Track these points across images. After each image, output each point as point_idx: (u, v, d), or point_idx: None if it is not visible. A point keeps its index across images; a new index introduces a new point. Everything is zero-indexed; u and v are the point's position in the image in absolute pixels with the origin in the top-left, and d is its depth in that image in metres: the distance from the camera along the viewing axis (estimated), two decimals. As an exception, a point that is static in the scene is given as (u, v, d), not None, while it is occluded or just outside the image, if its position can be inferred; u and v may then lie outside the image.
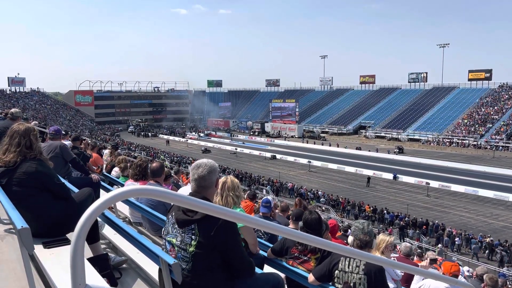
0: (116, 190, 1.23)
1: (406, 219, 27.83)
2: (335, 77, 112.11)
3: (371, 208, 30.64)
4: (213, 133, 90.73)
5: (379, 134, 76.56)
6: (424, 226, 26.79)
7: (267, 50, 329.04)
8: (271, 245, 3.96)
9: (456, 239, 24.61)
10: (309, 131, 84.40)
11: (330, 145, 68.08)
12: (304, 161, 52.13)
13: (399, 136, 72.62)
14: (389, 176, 43.60)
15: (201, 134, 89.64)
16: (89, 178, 5.06)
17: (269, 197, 4.82)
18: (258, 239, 3.93)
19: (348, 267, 2.88)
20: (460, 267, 12.09)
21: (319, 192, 35.35)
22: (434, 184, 38.80)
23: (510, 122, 64.43)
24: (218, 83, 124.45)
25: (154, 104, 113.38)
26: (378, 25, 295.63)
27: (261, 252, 3.54)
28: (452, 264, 3.89)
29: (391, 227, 27.73)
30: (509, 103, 70.56)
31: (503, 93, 74.69)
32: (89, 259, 2.67)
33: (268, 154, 59.43)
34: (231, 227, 2.21)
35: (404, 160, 53.16)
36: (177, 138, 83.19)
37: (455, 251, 24.08)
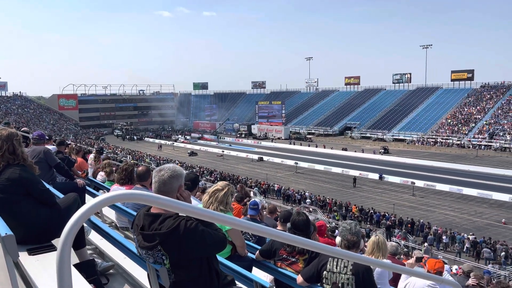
0: (101, 196, 1.22)
1: (393, 218, 28.11)
2: (320, 79, 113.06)
3: (358, 208, 30.87)
4: (209, 136, 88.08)
5: (364, 135, 77.23)
6: (410, 225, 27.10)
7: (253, 52, 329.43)
8: (259, 247, 3.97)
9: (443, 237, 24.95)
10: (296, 133, 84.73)
11: (316, 146, 68.43)
12: (291, 162, 52.28)
13: (384, 137, 73.36)
14: (375, 176, 44.00)
15: (188, 137, 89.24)
16: (74, 183, 5.00)
17: (257, 199, 4.83)
18: (246, 242, 3.93)
19: (336, 268, 2.90)
20: (446, 264, 12.27)
21: (306, 193, 35.48)
22: (419, 183, 39.29)
23: (492, 121, 65.69)
24: (204, 86, 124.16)
25: (139, 107, 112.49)
26: (362, 26, 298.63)
27: (249, 254, 3.54)
28: (436, 261, 3.95)
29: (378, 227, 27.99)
30: (491, 102, 71.95)
31: (485, 93, 76.11)
32: (76, 265, 2.64)
33: (255, 156, 59.43)
34: (193, 237, 2.09)
35: (390, 160, 53.72)
36: (163, 141, 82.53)
37: (441, 250, 24.40)
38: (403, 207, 33.08)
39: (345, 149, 62.95)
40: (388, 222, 27.37)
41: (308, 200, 33.66)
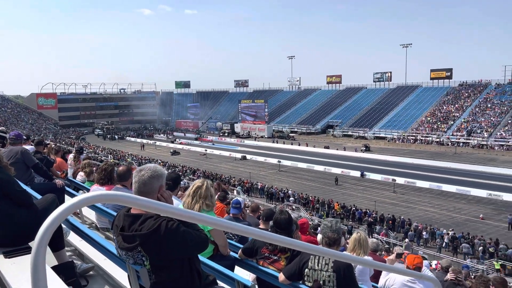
0: (78, 197, 1.20)
1: (374, 215, 28.48)
2: (302, 78, 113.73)
3: (340, 206, 31.17)
4: (207, 137, 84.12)
5: (346, 133, 78.01)
6: (391, 222, 27.50)
7: (235, 51, 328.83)
8: (241, 246, 3.97)
9: (424, 233, 25.40)
10: (279, 131, 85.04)
11: (299, 145, 68.78)
12: (274, 161, 52.43)
13: (366, 135, 74.23)
14: (357, 173, 44.49)
15: (170, 136, 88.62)
16: (53, 183, 4.90)
17: (239, 198, 4.82)
18: (229, 241, 3.93)
19: (318, 265, 2.92)
20: (426, 260, 12.48)
21: (289, 191, 35.65)
22: (400, 180, 39.90)
23: (470, 119, 67.16)
24: (186, 84, 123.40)
25: (121, 106, 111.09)
26: (343, 25, 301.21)
27: (231, 253, 3.54)
28: (415, 257, 4.02)
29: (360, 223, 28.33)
30: (468, 100, 73.54)
31: (463, 91, 77.74)
32: (54, 268, 2.59)
33: (238, 155, 59.41)
34: (174, 238, 2.06)
35: (371, 158, 54.41)
36: (145, 140, 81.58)
37: (421, 245, 24.84)
38: (384, 204, 33.54)
39: (327, 147, 63.46)
40: (369, 219, 27.72)
41: (291, 198, 33.83)
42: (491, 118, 65.14)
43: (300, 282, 3.00)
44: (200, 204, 3.10)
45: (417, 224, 26.42)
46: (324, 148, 63.13)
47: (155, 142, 77.32)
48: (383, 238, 24.46)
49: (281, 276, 3.00)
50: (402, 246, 22.06)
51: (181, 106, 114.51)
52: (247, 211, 6.46)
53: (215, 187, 6.10)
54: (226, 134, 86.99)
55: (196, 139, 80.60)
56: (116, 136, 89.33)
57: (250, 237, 3.68)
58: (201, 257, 2.85)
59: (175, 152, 63.69)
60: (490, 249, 22.16)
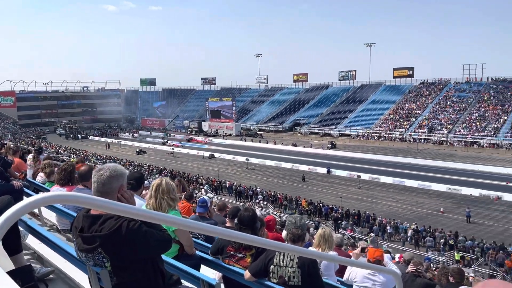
0: (32, 197, 1.16)
1: (340, 211, 29.04)
2: (270, 76, 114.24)
3: (307, 202, 31.60)
4: (199, 138, 79.43)
5: (313, 131, 79.10)
6: (357, 217, 28.14)
7: (202, 48, 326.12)
8: (208, 245, 3.96)
9: (388, 227, 26.13)
10: (247, 129, 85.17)
11: (267, 143, 69.12)
12: (242, 159, 52.46)
13: (332, 132, 75.53)
14: (323, 170, 45.23)
15: (136, 135, 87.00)
16: (10, 185, 4.70)
17: (206, 197, 4.80)
18: (195, 240, 3.90)
19: (283, 261, 2.95)
20: (390, 253, 12.81)
21: (258, 189, 35.80)
22: (364, 176, 40.88)
23: (431, 116, 69.63)
24: (152, 82, 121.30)
25: (84, 105, 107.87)
26: (309, 24, 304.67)
27: (197, 252, 3.52)
28: (375, 250, 4.14)
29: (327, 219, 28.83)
30: (429, 98, 76.18)
31: (424, 89, 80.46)
32: (10, 272, 2.49)
33: (206, 153, 59.06)
34: (136, 238, 2.02)
35: (337, 155, 55.42)
36: (109, 139, 79.59)
37: (385, 239, 25.56)
38: (350, 199, 34.27)
39: (295, 145, 64.13)
40: (336, 214, 28.24)
41: (259, 196, 33.98)
42: (451, 115, 67.79)
43: (266, 278, 3.03)
44: (165, 200, 3.06)
45: (382, 219, 27.15)
46: (292, 145, 63.76)
47: (120, 141, 75.61)
48: (349, 233, 25.02)
49: (247, 274, 3.01)
50: (367, 241, 22.63)
51: (147, 104, 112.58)
52: (215, 209, 6.44)
53: (176, 183, 6.05)
54: (193, 133, 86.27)
55: (189, 140, 75.83)
56: (79, 136, 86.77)
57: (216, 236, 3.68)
58: (165, 257, 2.82)
59: (141, 152, 62.56)
60: (450, 241, 23.07)
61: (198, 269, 3.34)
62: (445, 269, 5.42)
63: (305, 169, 46.44)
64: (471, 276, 15.31)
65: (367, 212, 28.59)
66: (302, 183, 40.89)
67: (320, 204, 30.95)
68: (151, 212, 1.47)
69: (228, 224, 4.49)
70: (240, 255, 3.22)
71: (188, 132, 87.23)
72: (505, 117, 61.68)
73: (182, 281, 2.76)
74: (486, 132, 59.97)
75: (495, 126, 60.55)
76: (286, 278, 2.89)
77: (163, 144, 70.59)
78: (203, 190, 34.11)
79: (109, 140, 78.04)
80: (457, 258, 21.68)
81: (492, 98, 68.72)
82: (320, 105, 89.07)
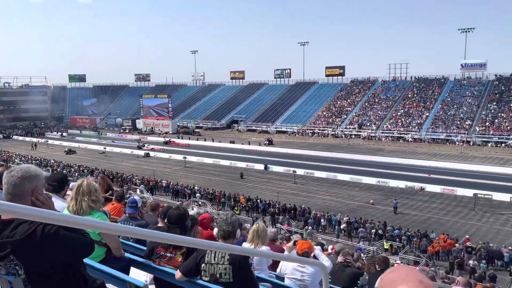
0: None
1: (277, 206, 29.60)
2: (206, 73, 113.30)
3: (246, 199, 31.84)
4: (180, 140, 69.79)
5: (250, 128, 79.93)
6: (293, 211, 28.85)
7: (135, 44, 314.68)
8: (139, 246, 3.84)
9: (322, 220, 27.06)
10: (184, 127, 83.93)
11: (205, 140, 68.67)
12: (179, 157, 51.62)
13: (268, 129, 76.84)
14: (261, 167, 45.84)
15: (64, 134, 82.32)
16: None
17: (136, 197, 4.64)
18: (125, 241, 3.77)
19: (214, 259, 2.93)
20: (323, 245, 13.25)
21: (196, 187, 35.43)
22: (300, 171, 42.02)
23: (361, 113, 73.21)
24: (82, 78, 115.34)
25: (6, 102, 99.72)
26: (245, 21, 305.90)
27: (126, 255, 3.39)
28: (303, 243, 4.28)
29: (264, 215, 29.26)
30: (359, 96, 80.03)
31: (354, 87, 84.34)
32: None
33: (141, 152, 57.35)
34: (53, 243, 1.90)
35: (274, 151, 56.48)
36: (35, 139, 74.40)
37: (320, 232, 26.46)
38: (286, 194, 35.04)
39: (233, 142, 64.34)
40: (272, 209, 28.75)
41: (197, 194, 33.63)
42: (379, 112, 71.76)
43: (198, 277, 2.99)
44: (87, 202, 2.91)
45: (316, 212, 28.07)
46: (230, 143, 63.88)
47: (47, 141, 71.01)
48: (285, 228, 25.59)
49: (178, 273, 2.95)
50: (303, 234, 23.32)
51: (76, 101, 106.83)
52: (147, 209, 6.26)
53: (100, 181, 5.79)
54: (127, 131, 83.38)
55: (166, 143, 66.78)
56: (1, 135, 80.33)
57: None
58: (90, 261, 2.69)
59: (70, 151, 59.28)
60: (379, 231, 24.43)
61: (127, 271, 3.22)
62: (372, 258, 5.73)
63: (243, 166, 46.75)
64: (397, 263, 16.33)
65: (303, 206, 29.40)
66: (240, 180, 41.12)
67: (258, 200, 31.32)
68: (63, 215, 1.38)
69: (160, 224, 4.38)
70: (170, 255, 3.15)
71: (122, 130, 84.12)
72: (427, 114, 66.52)
73: (109, 285, 2.65)
74: (410, 127, 64.29)
75: (419, 122, 65.09)
76: (218, 276, 2.88)
77: (139, 148, 60.86)
78: (138, 190, 33.10)
79: (34, 139, 72.96)
80: (386, 247, 23.03)
81: (415, 95, 73.75)
82: (257, 102, 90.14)
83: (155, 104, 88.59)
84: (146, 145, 63.51)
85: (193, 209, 25.81)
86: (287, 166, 44.70)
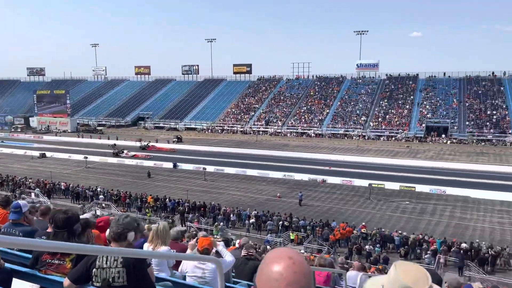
0: None
1: (187, 204, 29.24)
2: (109, 67, 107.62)
3: (154, 198, 30.89)
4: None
5: (158, 125, 77.86)
6: (202, 208, 28.73)
7: (27, 35, 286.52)
8: (23, 255, 3.50)
9: (231, 215, 27.33)
10: (84, 125, 78.89)
11: (108, 138, 65.16)
12: (80, 157, 48.31)
13: (177, 126, 75.55)
14: (170, 165, 44.90)
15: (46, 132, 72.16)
16: None
17: (21, 201, 4.22)
18: (5, 250, 3.41)
19: (106, 263, 2.76)
20: (232, 240, 13.39)
21: (98, 189, 33.48)
22: (210, 168, 42.01)
23: (268, 110, 75.45)
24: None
25: None
26: (151, 15, 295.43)
27: (7, 265, 3.06)
28: (203, 239, 4.27)
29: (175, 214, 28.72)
30: (266, 93, 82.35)
31: (261, 85, 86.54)
32: None
33: (36, 153, 52.58)
34: None
35: (183, 149, 55.74)
36: None
37: (230, 227, 26.71)
38: (196, 192, 34.81)
39: (140, 140, 61.97)
40: (182, 208, 28.34)
41: (101, 196, 31.81)
42: (284, 109, 74.60)
43: (89, 283, 2.80)
44: None
45: (226, 208, 28.29)
46: (137, 141, 61.41)
47: None
48: (195, 225, 25.40)
49: (66, 281, 2.74)
50: (213, 231, 23.35)
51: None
52: (38, 215, 5.74)
53: None
54: (19, 130, 75.86)
55: (143, 148, 55.38)
56: None
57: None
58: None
59: None
60: (285, 223, 25.43)
61: (8, 284, 2.92)
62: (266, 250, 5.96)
63: (150, 164, 45.36)
64: (301, 252, 17.12)
65: (212, 203, 29.44)
66: (148, 179, 39.86)
67: (167, 200, 30.62)
68: None
69: (49, 230, 4.03)
70: (59, 262, 2.91)
71: (13, 129, 76.30)
72: (328, 110, 70.84)
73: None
74: (312, 123, 67.95)
75: (320, 118, 69.04)
76: (111, 280, 2.73)
77: (116, 155, 50.28)
78: (32, 194, 30.30)
79: None
80: (292, 237, 24.06)
81: (317, 93, 78.01)
82: (165, 99, 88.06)
83: (51, 100, 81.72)
84: (125, 151, 51.79)
85: (96, 212, 24.38)
86: (197, 164, 44.42)
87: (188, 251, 4.95)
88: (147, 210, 29.31)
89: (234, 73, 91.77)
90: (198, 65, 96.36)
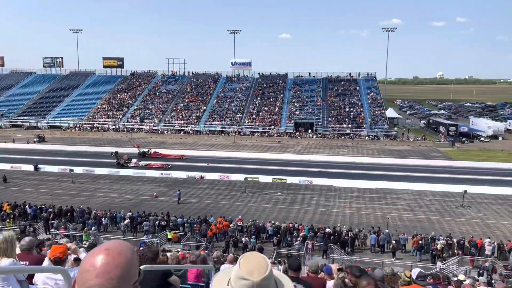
0: None
1: (51, 209, 26.58)
2: None
3: (11, 205, 27.34)
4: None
5: (15, 123, 69.43)
6: (69, 214, 26.40)
7: None
8: None
9: (103, 219, 25.63)
10: None
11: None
12: None
13: (39, 124, 68.27)
14: (30, 167, 40.39)
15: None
16: None
17: None
18: None
19: None
20: (82, 248, 12.57)
21: None
22: (78, 170, 38.81)
23: (142, 106, 72.73)
24: None
25: None
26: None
27: None
28: (56, 247, 3.90)
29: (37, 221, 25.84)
30: (140, 89, 79.24)
31: (134, 80, 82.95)
32: None
33: None
34: None
35: (46, 149, 50.94)
36: None
37: (102, 232, 25.04)
38: (63, 196, 32.00)
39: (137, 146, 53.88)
40: (46, 214, 25.68)
41: None
42: (160, 105, 72.77)
43: None
44: None
45: (97, 212, 26.47)
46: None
47: None
48: (62, 232, 23.24)
49: None
50: (84, 236, 21.67)
51: None
52: None
53: None
54: None
55: (144, 155, 46.50)
56: None
57: None
58: None
59: None
60: (162, 223, 24.85)
61: None
62: (148, 249, 5.74)
63: (6, 168, 40.14)
64: (176, 251, 16.91)
65: (81, 207, 27.27)
66: (3, 184, 35.27)
67: (27, 206, 27.40)
68: None
69: None
70: None
71: None
72: (205, 107, 71.25)
73: None
74: (190, 120, 67.65)
75: (197, 115, 69.09)
76: None
77: (121, 165, 41.76)
78: None
79: None
80: (169, 236, 23.60)
81: (193, 90, 77.84)
82: (23, 94, 78.65)
83: None
84: (133, 160, 43.26)
85: None
86: (63, 165, 40.66)
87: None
88: (8, 220, 25.90)
89: (104, 66, 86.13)
90: (62, 57, 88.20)
